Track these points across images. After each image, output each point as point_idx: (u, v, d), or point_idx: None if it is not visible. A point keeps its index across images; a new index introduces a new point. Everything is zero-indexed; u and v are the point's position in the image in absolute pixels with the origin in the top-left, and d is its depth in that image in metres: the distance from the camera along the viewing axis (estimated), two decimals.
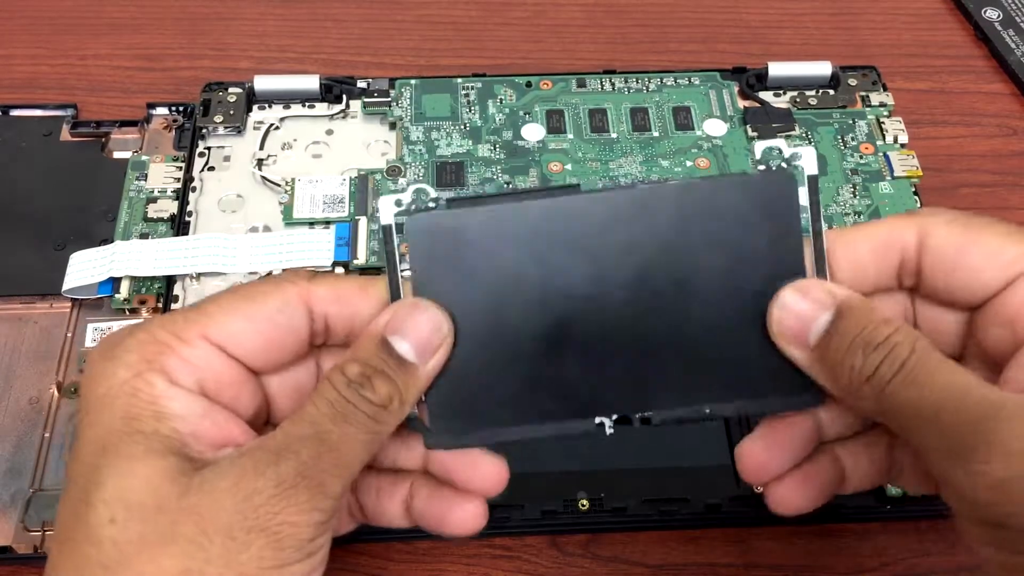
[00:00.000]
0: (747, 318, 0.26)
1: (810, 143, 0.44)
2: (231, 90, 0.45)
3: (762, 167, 0.26)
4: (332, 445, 0.24)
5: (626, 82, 0.46)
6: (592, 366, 0.26)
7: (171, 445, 0.24)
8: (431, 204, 0.26)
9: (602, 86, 0.46)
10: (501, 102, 0.45)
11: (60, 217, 0.42)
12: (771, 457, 0.27)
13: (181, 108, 0.45)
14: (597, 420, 0.26)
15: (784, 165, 0.26)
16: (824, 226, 0.26)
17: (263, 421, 0.27)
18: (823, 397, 0.26)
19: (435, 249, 0.25)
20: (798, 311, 0.25)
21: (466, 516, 0.27)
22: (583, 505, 0.34)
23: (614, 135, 0.44)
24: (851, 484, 0.28)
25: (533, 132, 0.44)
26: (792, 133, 0.44)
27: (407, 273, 0.26)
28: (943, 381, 0.23)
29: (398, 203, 0.26)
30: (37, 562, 0.33)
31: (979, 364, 0.27)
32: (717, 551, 0.34)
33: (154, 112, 0.45)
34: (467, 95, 0.46)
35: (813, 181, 0.26)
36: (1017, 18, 0.52)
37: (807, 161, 0.26)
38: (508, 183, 0.42)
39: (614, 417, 0.26)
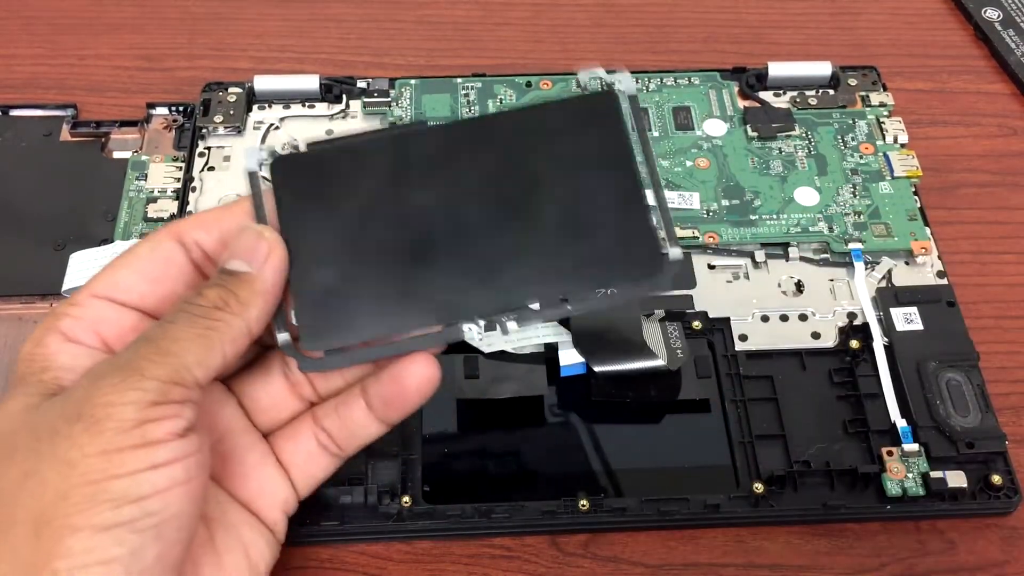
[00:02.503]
0: (591, 214, 0.28)
1: (809, 143, 0.44)
2: (231, 90, 0.45)
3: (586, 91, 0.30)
4: (151, 339, 0.26)
5: None
6: (454, 275, 0.28)
7: (45, 388, 0.26)
8: (292, 149, 0.29)
9: (602, 86, 0.46)
10: (501, 102, 0.45)
11: (60, 217, 0.42)
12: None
13: (181, 108, 0.45)
14: (465, 326, 0.28)
15: (607, 87, 0.30)
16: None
17: None
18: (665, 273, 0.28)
19: (296, 184, 0.28)
20: None
21: (420, 366, 0.29)
22: (583, 505, 0.34)
23: None
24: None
25: None
26: (792, 133, 0.44)
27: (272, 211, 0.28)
28: None
29: (261, 151, 0.29)
30: None
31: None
32: (717, 551, 0.34)
33: (154, 112, 0.45)
34: (467, 95, 0.46)
35: (634, 100, 0.30)
36: (1017, 18, 0.52)
37: (625, 83, 0.30)
38: None
39: (482, 323, 0.28)
